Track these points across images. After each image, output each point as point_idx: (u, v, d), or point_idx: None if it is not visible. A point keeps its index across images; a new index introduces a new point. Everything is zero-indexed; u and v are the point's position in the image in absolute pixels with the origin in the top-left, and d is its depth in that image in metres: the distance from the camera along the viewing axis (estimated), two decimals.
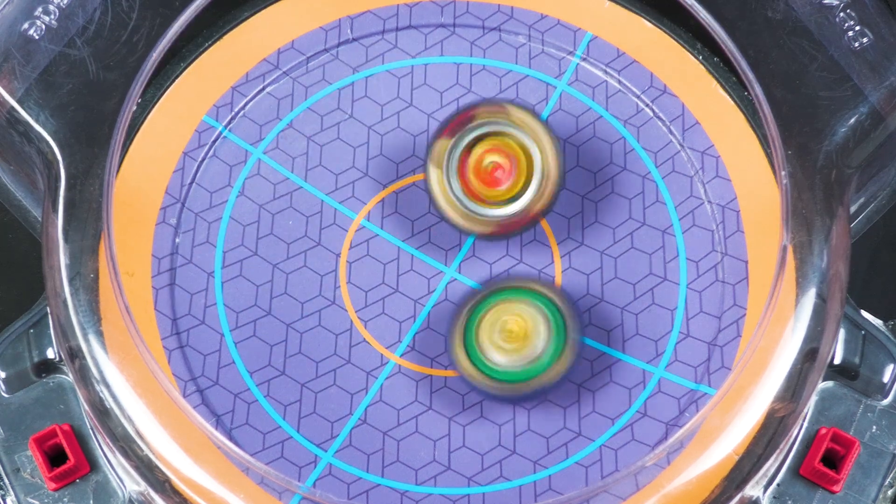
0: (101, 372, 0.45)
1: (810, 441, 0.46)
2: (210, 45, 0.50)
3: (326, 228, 0.48)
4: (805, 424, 0.47)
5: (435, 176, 0.46)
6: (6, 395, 0.47)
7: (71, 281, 0.45)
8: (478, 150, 0.46)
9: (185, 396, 0.45)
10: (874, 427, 0.47)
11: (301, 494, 0.44)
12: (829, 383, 0.47)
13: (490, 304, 0.45)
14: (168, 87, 0.49)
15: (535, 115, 0.46)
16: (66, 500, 0.46)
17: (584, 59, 0.50)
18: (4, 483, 0.46)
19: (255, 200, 0.48)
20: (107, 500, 0.46)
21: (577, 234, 0.48)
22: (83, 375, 0.45)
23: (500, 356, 0.45)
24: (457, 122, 0.46)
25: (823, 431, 0.46)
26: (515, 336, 0.45)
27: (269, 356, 0.46)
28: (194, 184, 0.48)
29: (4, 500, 0.46)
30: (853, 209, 0.49)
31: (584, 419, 0.45)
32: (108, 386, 0.45)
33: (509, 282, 0.46)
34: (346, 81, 0.49)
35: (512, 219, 0.46)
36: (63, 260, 0.46)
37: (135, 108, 0.47)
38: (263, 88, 0.49)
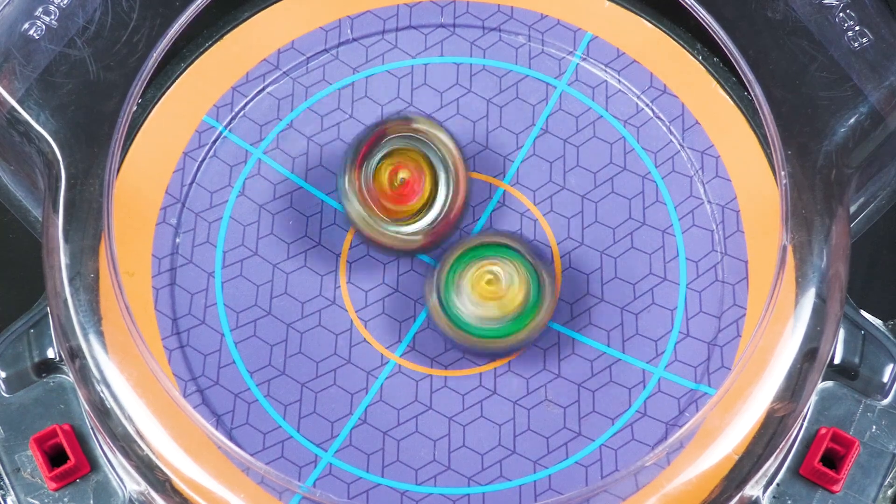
0: (101, 372, 0.45)
1: (810, 441, 0.46)
2: (210, 45, 0.50)
3: (326, 228, 0.48)
4: (805, 424, 0.47)
5: (354, 211, 0.46)
6: (6, 395, 0.47)
7: (71, 281, 0.45)
8: (383, 171, 0.46)
9: (185, 396, 0.45)
10: (874, 427, 0.47)
11: (301, 494, 0.44)
12: (829, 383, 0.47)
13: (466, 261, 0.45)
14: (168, 87, 0.49)
15: (430, 119, 0.46)
16: (66, 500, 0.46)
17: (584, 59, 0.50)
18: (5, 483, 0.46)
19: (255, 200, 0.48)
20: (107, 500, 0.46)
21: (577, 234, 0.48)
22: (83, 375, 0.45)
23: (479, 310, 0.45)
24: (363, 153, 0.46)
25: (823, 431, 0.46)
26: (494, 292, 0.45)
27: (269, 356, 0.46)
28: (194, 184, 0.48)
29: (5, 500, 0.46)
30: (853, 209, 0.49)
31: (584, 419, 0.45)
32: (108, 386, 0.45)
33: (482, 237, 0.46)
34: (346, 81, 0.49)
35: (436, 224, 0.46)
36: (63, 260, 0.46)
37: (135, 108, 0.47)
38: (263, 88, 0.49)
